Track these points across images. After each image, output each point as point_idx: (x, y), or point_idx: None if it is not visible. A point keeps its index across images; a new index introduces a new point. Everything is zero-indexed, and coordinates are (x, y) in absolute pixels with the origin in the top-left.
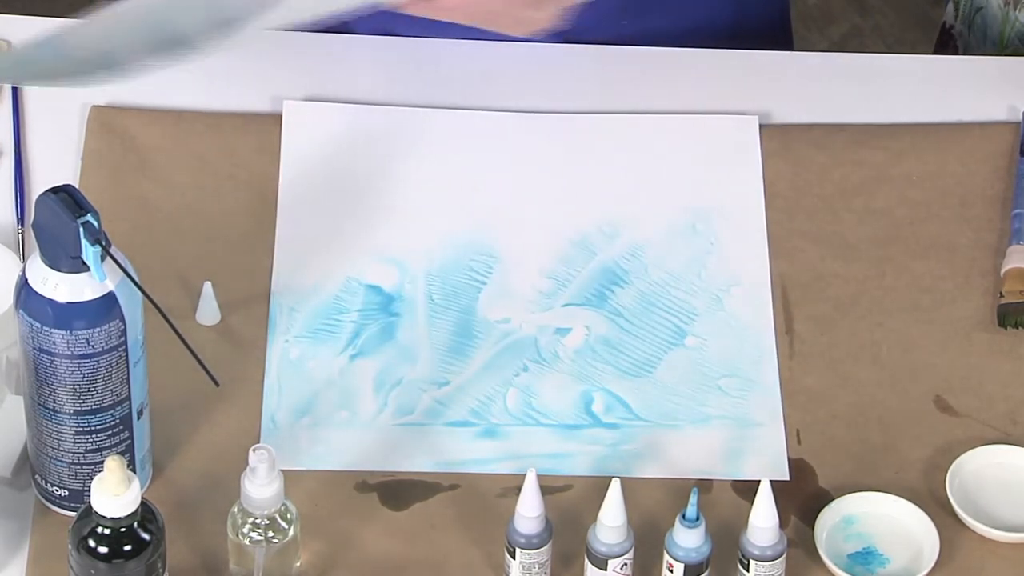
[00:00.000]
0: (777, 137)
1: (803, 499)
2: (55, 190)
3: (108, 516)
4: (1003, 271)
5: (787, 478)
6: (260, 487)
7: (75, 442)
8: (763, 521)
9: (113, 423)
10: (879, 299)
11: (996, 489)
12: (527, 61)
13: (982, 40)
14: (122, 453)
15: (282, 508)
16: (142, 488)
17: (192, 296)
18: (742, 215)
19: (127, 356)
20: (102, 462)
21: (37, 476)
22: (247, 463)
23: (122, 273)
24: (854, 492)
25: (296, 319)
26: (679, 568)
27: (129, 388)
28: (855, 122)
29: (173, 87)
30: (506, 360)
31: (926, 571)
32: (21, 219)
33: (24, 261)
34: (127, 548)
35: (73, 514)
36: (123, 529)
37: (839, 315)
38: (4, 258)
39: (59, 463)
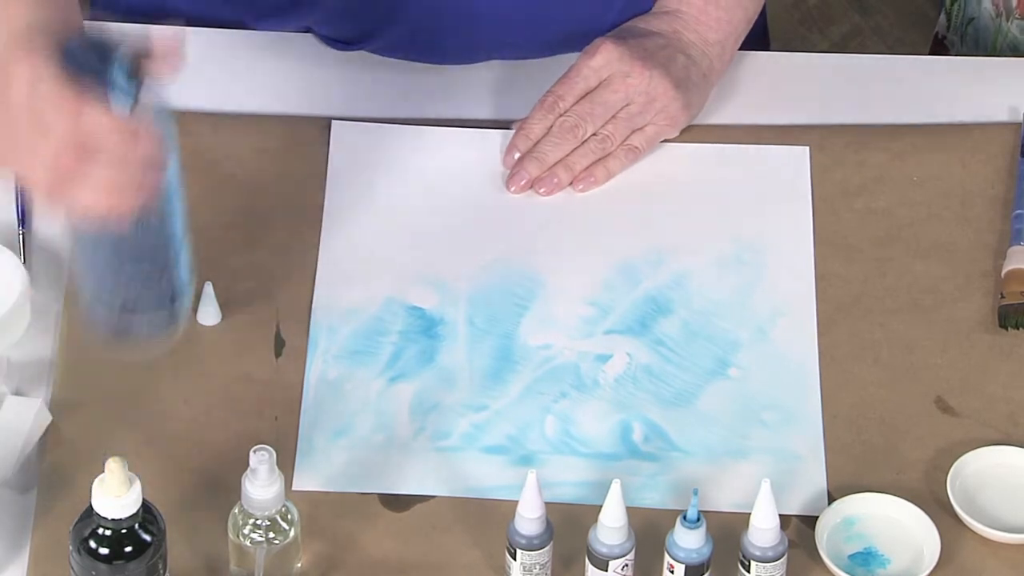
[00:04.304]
0: None
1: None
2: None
3: (109, 517)
4: (1004, 272)
5: None
6: (261, 488)
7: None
8: (764, 522)
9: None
10: (880, 300)
11: (997, 490)
12: None
13: (974, 50)
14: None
15: (283, 509)
16: (186, 295)
17: (193, 296)
18: (790, 247)
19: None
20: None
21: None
22: (248, 464)
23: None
24: (855, 493)
25: (336, 339)
26: (680, 569)
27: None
28: (855, 123)
29: (174, 87)
30: (546, 386)
31: (927, 572)
32: (21, 219)
33: (26, 263)
34: (128, 549)
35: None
36: (124, 530)
37: (840, 315)
38: (4, 258)
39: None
